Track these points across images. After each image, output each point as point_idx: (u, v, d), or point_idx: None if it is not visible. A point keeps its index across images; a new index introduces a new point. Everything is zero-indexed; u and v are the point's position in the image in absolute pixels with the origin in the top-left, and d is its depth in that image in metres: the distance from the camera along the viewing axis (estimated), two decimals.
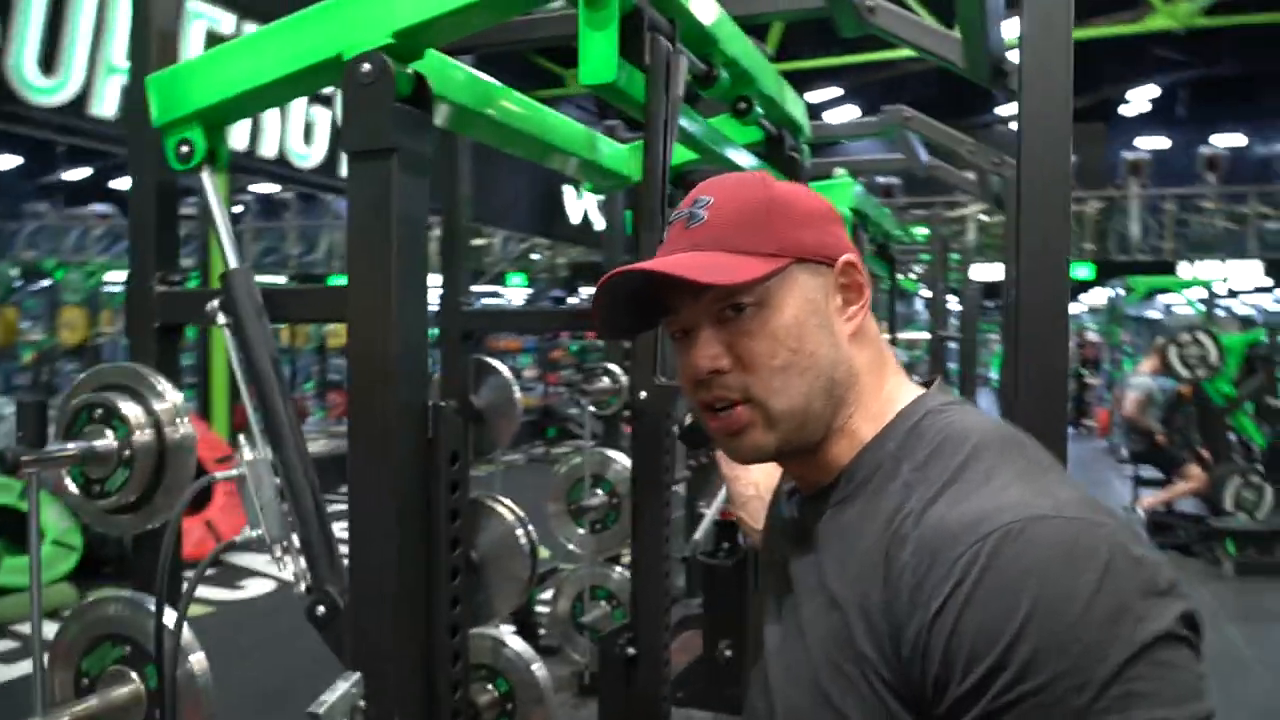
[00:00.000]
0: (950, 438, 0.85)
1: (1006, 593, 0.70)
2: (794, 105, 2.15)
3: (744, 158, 2.02)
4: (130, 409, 1.50)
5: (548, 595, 3.90)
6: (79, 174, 22.87)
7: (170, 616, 1.44)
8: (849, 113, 21.03)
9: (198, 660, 1.51)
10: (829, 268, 0.93)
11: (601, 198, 12.83)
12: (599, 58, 1.25)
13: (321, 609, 1.39)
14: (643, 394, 1.37)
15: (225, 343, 1.49)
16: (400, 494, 1.36)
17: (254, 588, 5.92)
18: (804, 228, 0.92)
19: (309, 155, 8.53)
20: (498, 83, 1.80)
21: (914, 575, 0.76)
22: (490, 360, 2.74)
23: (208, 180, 1.50)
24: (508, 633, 2.58)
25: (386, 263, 1.33)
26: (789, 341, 0.89)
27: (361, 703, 1.35)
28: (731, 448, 0.95)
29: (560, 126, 2.01)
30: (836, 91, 20.72)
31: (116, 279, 13.57)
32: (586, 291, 20.33)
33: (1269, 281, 17.11)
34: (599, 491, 3.50)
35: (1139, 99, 24.84)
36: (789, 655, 0.91)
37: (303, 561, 1.41)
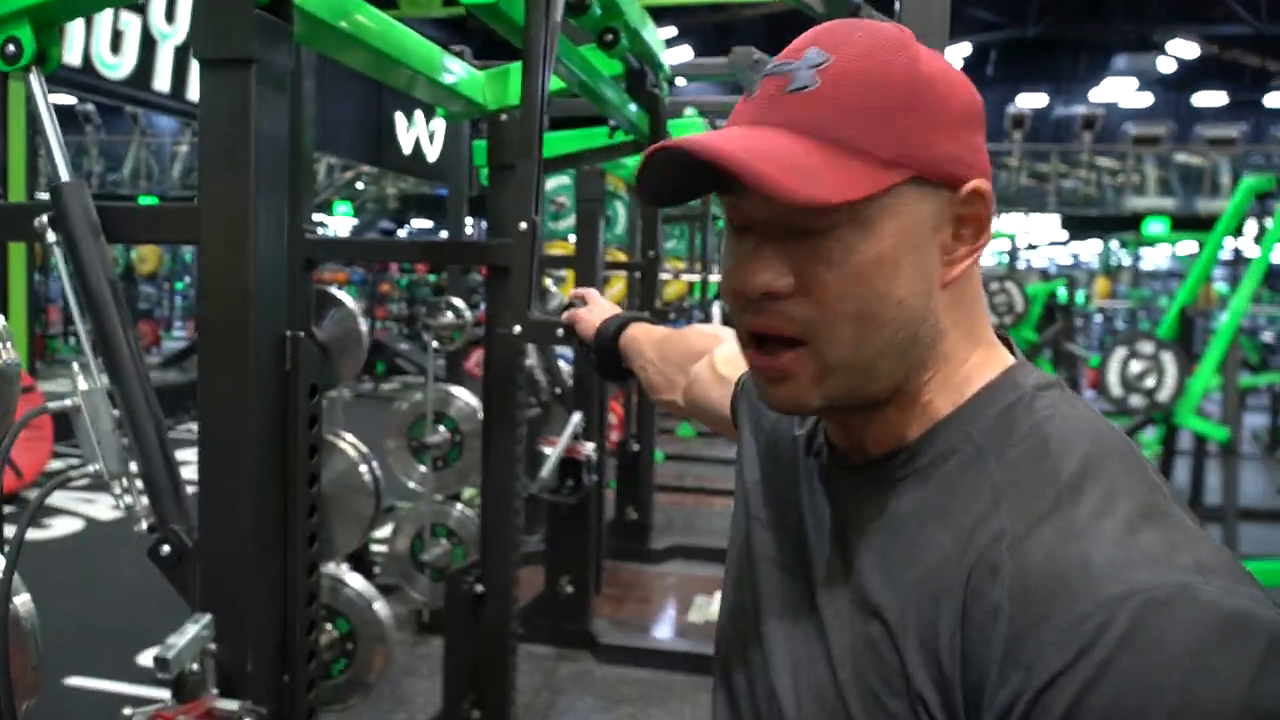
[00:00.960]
0: (1054, 438, 0.66)
1: (1150, 678, 0.55)
2: (655, 41, 2.14)
3: (608, 90, 1.99)
4: None
5: (384, 533, 3.83)
6: None
7: None
8: (683, 53, 21.10)
9: (24, 602, 1.42)
10: (950, 191, 0.68)
11: (432, 128, 12.38)
12: None
13: (167, 548, 1.32)
14: (517, 328, 1.35)
15: (26, 260, 1.37)
16: (258, 427, 1.30)
17: (61, 526, 5.56)
18: (942, 130, 0.67)
19: (119, 65, 7.89)
20: None
21: (1013, 625, 0.59)
22: (336, 292, 2.63)
23: (36, 83, 1.36)
24: (346, 571, 2.52)
25: (245, 183, 1.25)
26: (875, 281, 0.67)
27: (212, 645, 1.29)
28: (768, 393, 0.74)
29: (417, 48, 1.93)
30: (671, 31, 20.77)
31: None
32: (418, 223, 19.81)
33: (1064, 235, 18.36)
34: (441, 428, 3.44)
35: (953, 56, 25.94)
36: (803, 658, 0.74)
37: (144, 499, 1.33)
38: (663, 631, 4.24)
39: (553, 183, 6.89)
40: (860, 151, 0.65)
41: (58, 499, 5.89)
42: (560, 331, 1.38)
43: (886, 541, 0.69)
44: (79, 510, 5.78)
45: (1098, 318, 18.26)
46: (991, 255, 15.99)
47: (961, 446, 0.69)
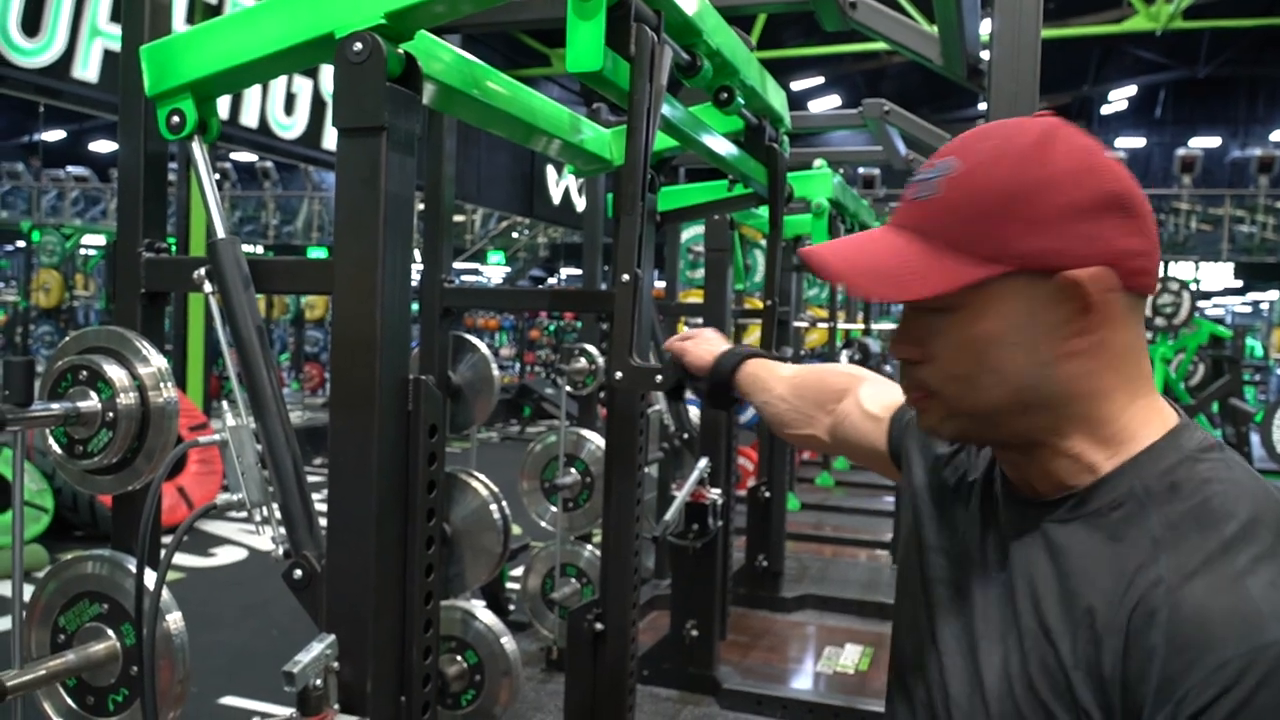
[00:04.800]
0: (1215, 500, 0.76)
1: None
2: (775, 96, 2.19)
3: (725, 146, 2.06)
4: (115, 372, 1.53)
5: (518, 571, 3.94)
6: (56, 135, 22.61)
7: (149, 576, 1.47)
8: (830, 101, 21.06)
9: (175, 620, 1.55)
10: (1053, 280, 0.80)
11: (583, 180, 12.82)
12: (586, 47, 1.29)
13: (299, 573, 1.43)
14: (618, 374, 1.41)
15: (204, 310, 1.51)
16: (380, 464, 1.40)
17: (226, 555, 5.93)
18: (1045, 228, 0.79)
19: (291, 125, 8.49)
20: (484, 64, 1.83)
21: (1165, 665, 0.71)
22: (469, 337, 2.77)
23: (198, 150, 1.52)
24: (478, 606, 2.62)
25: (374, 239, 1.36)
26: (976, 353, 0.82)
27: (335, 664, 1.39)
28: (918, 419, 0.93)
29: (544, 109, 2.05)
30: (818, 80, 20.76)
31: (93, 243, 13.45)
32: (567, 272, 20.32)
33: (1238, 284, 17.34)
34: (573, 470, 3.55)
35: (1120, 99, 25.06)
36: (982, 670, 0.85)
37: (281, 527, 1.44)
38: (788, 680, 4.20)
39: (690, 232, 7.01)
40: (961, 249, 0.81)
41: (222, 529, 6.28)
42: (659, 378, 1.44)
43: (1057, 578, 0.81)
44: (243, 540, 6.15)
45: (1278, 370, 17.17)
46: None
47: (1127, 500, 0.79)
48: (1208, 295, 19.60)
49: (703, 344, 1.57)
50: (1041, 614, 0.80)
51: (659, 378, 1.44)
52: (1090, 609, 0.77)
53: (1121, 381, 0.83)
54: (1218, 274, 16.71)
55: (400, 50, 1.39)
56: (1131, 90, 24.42)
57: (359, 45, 1.33)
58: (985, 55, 2.16)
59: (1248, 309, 22.74)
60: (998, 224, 0.79)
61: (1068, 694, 0.77)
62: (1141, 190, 0.83)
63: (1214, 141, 24.44)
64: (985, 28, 2.02)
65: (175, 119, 1.50)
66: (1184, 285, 7.83)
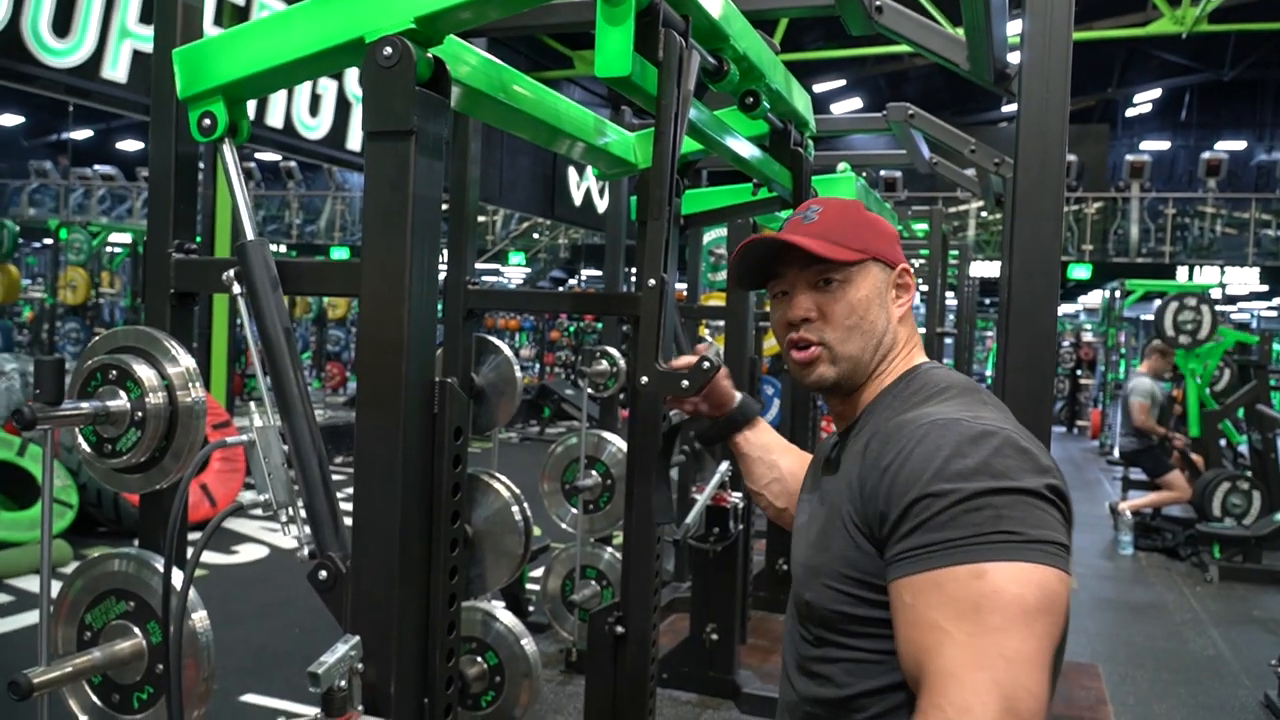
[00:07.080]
0: (928, 382, 1.27)
1: (926, 458, 1.07)
2: (800, 100, 2.19)
3: (749, 149, 2.06)
4: (144, 372, 1.54)
5: (538, 573, 3.95)
6: (84, 134, 22.83)
7: (177, 575, 1.48)
8: (852, 104, 20.98)
9: (200, 618, 1.56)
10: (892, 269, 1.33)
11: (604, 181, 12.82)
12: (615, 52, 1.29)
13: (324, 574, 1.43)
14: (644, 379, 1.41)
15: (228, 307, 1.52)
16: (405, 465, 1.40)
17: (247, 553, 5.96)
18: (881, 240, 1.33)
19: (316, 126, 8.54)
20: (509, 67, 1.84)
21: (877, 454, 1.14)
22: (492, 339, 2.77)
23: (228, 152, 1.53)
24: (499, 607, 2.63)
25: (402, 242, 1.37)
26: (859, 309, 1.30)
27: (359, 665, 1.39)
28: (803, 374, 1.34)
29: (569, 113, 2.05)
30: (840, 83, 20.69)
31: (119, 241, 13.57)
32: (588, 273, 20.33)
33: (1264, 288, 17.16)
34: (593, 472, 3.55)
35: (1144, 101, 24.87)
36: (807, 530, 1.30)
37: (307, 528, 1.45)
38: None
39: (712, 235, 7.00)
40: (843, 244, 1.30)
41: (244, 527, 6.32)
42: (685, 383, 1.44)
43: (849, 459, 1.24)
44: (263, 538, 6.18)
45: None
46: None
47: (885, 398, 1.29)
48: (1234, 300, 19.42)
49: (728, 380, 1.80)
50: (840, 483, 1.22)
51: (685, 382, 1.44)
52: (855, 458, 1.20)
53: (912, 339, 1.35)
54: (1244, 278, 16.55)
55: (429, 54, 1.39)
56: (1156, 93, 24.23)
57: (389, 50, 1.33)
58: (1012, 59, 2.15)
59: (1274, 314, 22.50)
60: (864, 233, 1.32)
61: (838, 509, 1.18)
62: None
63: (1240, 145, 24.23)
64: (1011, 30, 2.01)
65: (207, 121, 1.51)
66: (1202, 299, 7.71)
